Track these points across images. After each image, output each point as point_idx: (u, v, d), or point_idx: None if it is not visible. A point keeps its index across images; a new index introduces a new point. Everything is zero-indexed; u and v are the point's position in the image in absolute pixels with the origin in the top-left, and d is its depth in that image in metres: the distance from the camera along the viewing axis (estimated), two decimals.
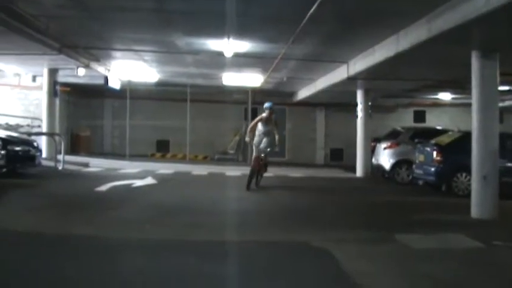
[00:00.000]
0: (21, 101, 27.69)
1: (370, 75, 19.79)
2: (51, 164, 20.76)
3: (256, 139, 17.58)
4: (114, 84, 26.35)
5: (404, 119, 33.56)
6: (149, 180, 18.75)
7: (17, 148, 17.08)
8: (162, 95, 32.02)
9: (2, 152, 15.49)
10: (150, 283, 6.61)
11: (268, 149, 17.56)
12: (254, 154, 17.68)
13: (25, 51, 18.48)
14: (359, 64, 18.82)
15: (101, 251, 8.20)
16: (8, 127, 24.47)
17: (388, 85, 23.36)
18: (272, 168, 24.23)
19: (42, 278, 6.59)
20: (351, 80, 20.55)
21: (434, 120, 32.77)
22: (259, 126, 17.47)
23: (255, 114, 31.27)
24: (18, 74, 26.83)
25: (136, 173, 21.33)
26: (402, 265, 8.08)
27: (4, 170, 15.91)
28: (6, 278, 6.49)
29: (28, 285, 6.29)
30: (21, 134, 20.89)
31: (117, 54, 21.16)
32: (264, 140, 17.48)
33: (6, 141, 16.36)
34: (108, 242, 8.86)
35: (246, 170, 22.18)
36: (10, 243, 8.48)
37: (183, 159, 31.48)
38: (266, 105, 17.71)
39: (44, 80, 24.67)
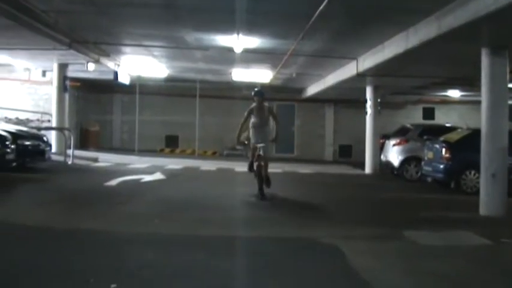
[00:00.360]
0: (31, 95, 27.83)
1: (379, 72, 19.78)
2: (61, 158, 20.82)
3: (250, 134, 14.97)
4: (124, 79, 26.39)
5: (413, 116, 33.51)
6: (158, 176, 18.80)
7: (27, 143, 17.14)
8: (171, 91, 32.07)
9: (12, 146, 15.55)
10: (158, 278, 6.63)
11: (264, 144, 14.62)
12: (250, 153, 15.09)
13: (35, 46, 18.54)
14: (368, 61, 18.82)
15: (109, 246, 8.23)
16: (18, 122, 24.59)
17: (397, 82, 23.36)
18: (281, 164, 24.30)
19: (50, 272, 6.63)
20: (360, 76, 20.54)
21: (443, 118, 32.71)
22: (252, 118, 14.84)
23: None
24: (28, 69, 26.91)
25: (146, 168, 21.37)
26: (410, 262, 8.08)
27: (14, 164, 15.99)
28: (15, 272, 6.52)
29: (36, 279, 6.31)
30: (31, 128, 20.95)
31: (127, 49, 21.22)
32: (259, 133, 14.79)
33: (16, 136, 16.42)
34: (117, 237, 8.89)
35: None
36: (19, 237, 8.52)
37: (192, 155, 31.55)
38: (254, 91, 15.10)
39: (53, 75, 24.71)
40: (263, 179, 14.41)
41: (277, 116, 15.90)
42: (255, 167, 14.66)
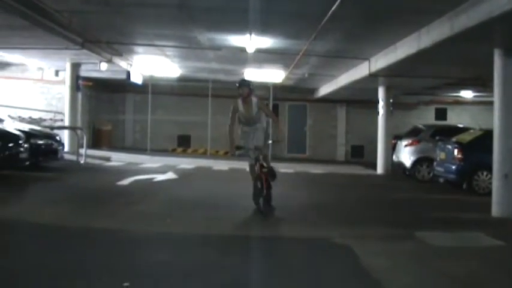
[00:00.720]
0: (43, 95, 27.90)
1: (391, 72, 19.76)
2: (73, 157, 20.90)
3: (241, 136, 12.67)
4: (136, 79, 26.47)
5: (426, 117, 33.40)
6: (170, 175, 18.84)
7: (40, 142, 17.21)
8: (183, 90, 32.10)
9: (25, 145, 15.57)
10: (170, 277, 6.66)
11: (261, 143, 12.31)
12: (249, 161, 12.41)
13: (48, 45, 18.62)
14: (380, 61, 18.80)
15: (122, 244, 8.28)
16: (31, 121, 24.67)
17: (410, 82, 23.33)
18: (293, 164, 24.30)
19: (63, 270, 6.66)
20: (373, 76, 20.52)
21: (455, 118, 32.62)
22: (240, 117, 12.49)
23: (276, 110, 31.32)
24: (41, 68, 27.00)
25: (158, 168, 21.44)
26: (421, 262, 8.09)
27: (27, 163, 16.02)
28: (29, 270, 6.56)
29: (49, 277, 6.35)
30: (43, 127, 21.00)
31: (139, 49, 21.27)
32: (250, 134, 12.46)
33: (29, 135, 16.45)
34: (129, 236, 8.92)
35: None
36: (33, 235, 8.57)
37: (204, 155, 31.56)
38: (239, 81, 12.48)
39: (66, 75, 24.81)
40: (263, 190, 11.76)
41: (270, 110, 13.40)
42: (258, 181, 11.97)
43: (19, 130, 16.21)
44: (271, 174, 11.98)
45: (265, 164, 12.03)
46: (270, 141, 12.85)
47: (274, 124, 13.07)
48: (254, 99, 12.26)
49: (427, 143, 21.54)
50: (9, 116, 18.89)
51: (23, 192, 13.42)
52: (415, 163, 21.62)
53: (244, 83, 12.25)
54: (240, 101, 12.27)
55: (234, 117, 12.33)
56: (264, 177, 11.70)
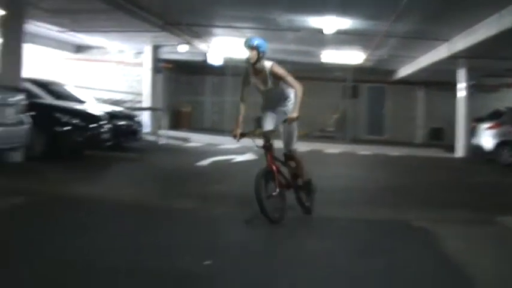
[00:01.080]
0: (124, 76, 28.38)
1: (471, 54, 19.44)
2: (153, 138, 21.24)
3: (261, 110, 9.62)
4: (215, 61, 26.65)
5: (508, 99, 32.55)
6: (249, 156, 18.92)
7: (121, 122, 17.56)
8: None
9: (108, 126, 15.90)
10: (247, 255, 6.75)
11: (275, 125, 9.31)
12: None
13: (129, 28, 18.97)
14: (460, 42, 18.52)
15: (201, 224, 8.43)
16: (112, 102, 25.15)
17: (490, 64, 22.89)
18: (370, 146, 24.12)
19: (145, 249, 6.78)
20: (452, 58, 20.25)
21: None
22: (259, 94, 9.48)
23: (355, 91, 31.18)
24: (122, 51, 27.46)
25: (236, 149, 21.50)
26: (503, 247, 7.94)
27: (109, 143, 16.37)
28: (110, 249, 6.73)
29: (131, 256, 6.49)
30: (124, 109, 21.38)
31: (218, 31, 21.44)
32: (271, 110, 9.50)
33: (112, 116, 16.78)
34: (208, 216, 9.08)
35: (345, 148, 22.15)
36: (114, 215, 8.76)
37: None
38: (247, 42, 9.01)
39: (146, 57, 25.21)
40: (268, 190, 8.33)
41: (291, 78, 9.18)
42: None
43: (102, 111, 16.55)
44: (309, 188, 9.53)
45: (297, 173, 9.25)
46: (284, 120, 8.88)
47: (298, 93, 9.01)
48: (267, 65, 8.89)
49: (509, 126, 21.12)
50: (93, 97, 19.26)
51: (105, 172, 13.77)
52: (496, 147, 21.23)
53: (249, 44, 8.84)
54: (250, 70, 9.09)
55: (243, 93, 9.35)
56: (275, 171, 8.61)
